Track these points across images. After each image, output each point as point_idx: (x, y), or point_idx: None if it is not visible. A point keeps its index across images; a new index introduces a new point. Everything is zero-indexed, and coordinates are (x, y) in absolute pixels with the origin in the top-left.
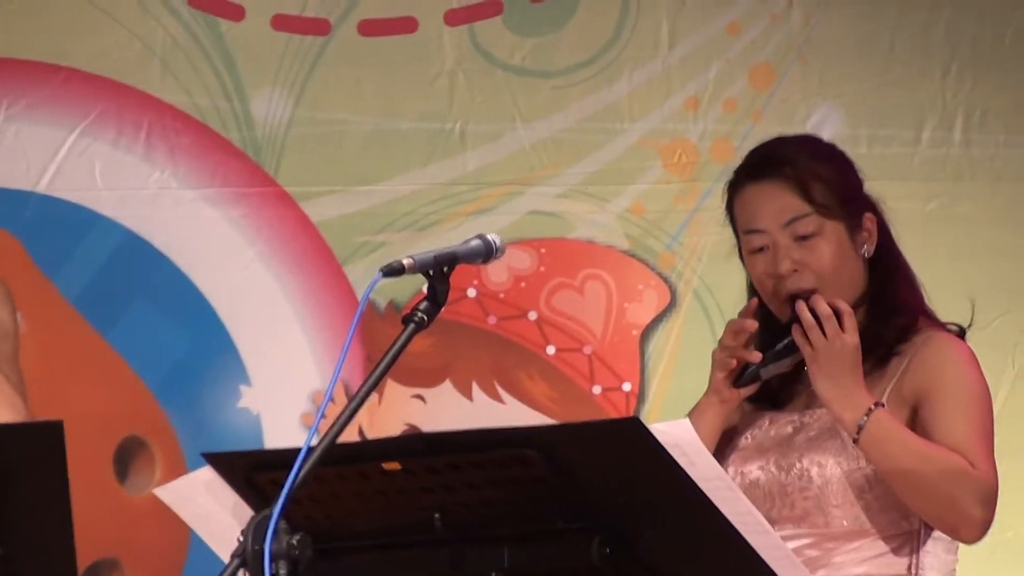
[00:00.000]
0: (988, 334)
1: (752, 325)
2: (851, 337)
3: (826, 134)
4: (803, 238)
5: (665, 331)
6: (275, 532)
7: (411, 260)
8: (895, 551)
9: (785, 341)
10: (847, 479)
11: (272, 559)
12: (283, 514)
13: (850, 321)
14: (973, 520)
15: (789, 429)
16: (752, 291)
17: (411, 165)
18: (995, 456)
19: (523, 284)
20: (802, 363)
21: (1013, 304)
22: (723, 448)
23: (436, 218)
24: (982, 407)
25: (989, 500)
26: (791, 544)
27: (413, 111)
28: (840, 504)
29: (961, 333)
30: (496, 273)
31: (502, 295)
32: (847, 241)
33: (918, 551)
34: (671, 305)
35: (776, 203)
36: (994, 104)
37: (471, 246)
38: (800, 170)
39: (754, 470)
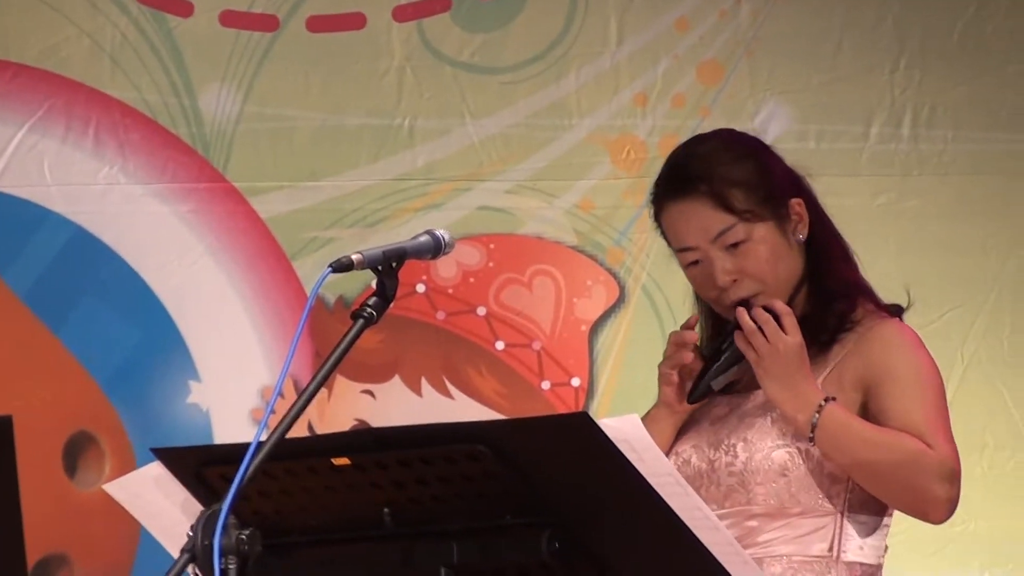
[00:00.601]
0: (937, 328)
1: (692, 337)
2: (793, 337)
3: (774, 130)
4: (734, 246)
5: (614, 326)
6: (224, 527)
7: (360, 256)
8: (817, 532)
9: (730, 350)
10: (771, 457)
11: (221, 554)
12: (232, 509)
13: (790, 321)
14: (938, 500)
15: (726, 410)
16: (698, 298)
17: (360, 161)
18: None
19: (472, 280)
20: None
21: (962, 298)
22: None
23: (385, 214)
24: (934, 387)
25: (952, 478)
26: None
27: (361, 107)
28: (763, 482)
29: (899, 311)
30: (445, 269)
31: (451, 290)
32: (779, 236)
33: (840, 531)
34: (620, 300)
35: (699, 221)
36: (942, 100)
37: (420, 242)
38: (715, 182)
39: (687, 449)
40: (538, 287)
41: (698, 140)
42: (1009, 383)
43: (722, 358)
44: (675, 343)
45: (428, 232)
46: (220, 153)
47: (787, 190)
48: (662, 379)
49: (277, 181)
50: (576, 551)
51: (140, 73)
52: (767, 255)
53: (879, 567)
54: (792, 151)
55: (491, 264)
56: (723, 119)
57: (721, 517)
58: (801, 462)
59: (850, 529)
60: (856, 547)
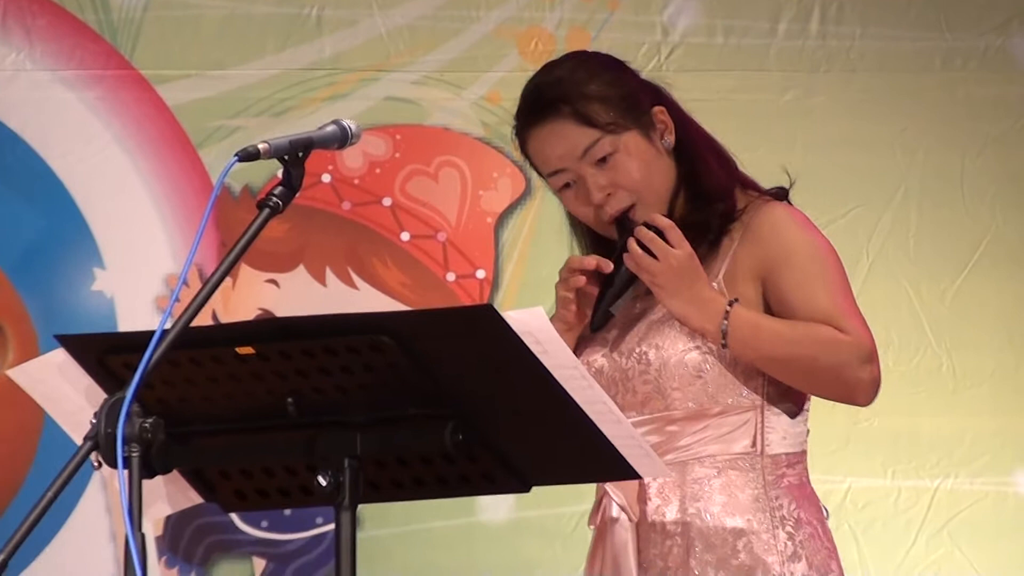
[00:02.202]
0: (843, 225)
1: (591, 263)
2: (681, 248)
3: (682, 24)
4: (603, 160)
5: (519, 219)
6: (128, 415)
7: (266, 145)
8: (739, 428)
9: (621, 271)
10: (684, 361)
11: (124, 442)
12: (136, 397)
13: (675, 234)
14: (863, 383)
15: (631, 317)
16: (571, 219)
17: (267, 50)
18: None
19: (378, 170)
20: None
21: (868, 195)
22: (577, 347)
23: (292, 103)
24: (833, 266)
25: (870, 358)
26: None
27: None
28: (679, 387)
29: (783, 195)
30: (351, 159)
31: (357, 181)
32: (646, 144)
33: (762, 425)
34: (526, 193)
35: (564, 142)
36: None
37: (326, 131)
38: (573, 100)
39: (598, 358)
40: (444, 178)
41: (550, 66)
42: (914, 281)
43: (615, 282)
44: (571, 267)
45: (335, 122)
46: (127, 40)
47: (647, 100)
48: (560, 302)
49: (184, 69)
50: (479, 442)
51: None
52: (637, 164)
53: (803, 453)
54: (700, 46)
55: (397, 155)
56: (631, 12)
57: (640, 424)
58: (715, 361)
59: (771, 421)
60: (779, 438)
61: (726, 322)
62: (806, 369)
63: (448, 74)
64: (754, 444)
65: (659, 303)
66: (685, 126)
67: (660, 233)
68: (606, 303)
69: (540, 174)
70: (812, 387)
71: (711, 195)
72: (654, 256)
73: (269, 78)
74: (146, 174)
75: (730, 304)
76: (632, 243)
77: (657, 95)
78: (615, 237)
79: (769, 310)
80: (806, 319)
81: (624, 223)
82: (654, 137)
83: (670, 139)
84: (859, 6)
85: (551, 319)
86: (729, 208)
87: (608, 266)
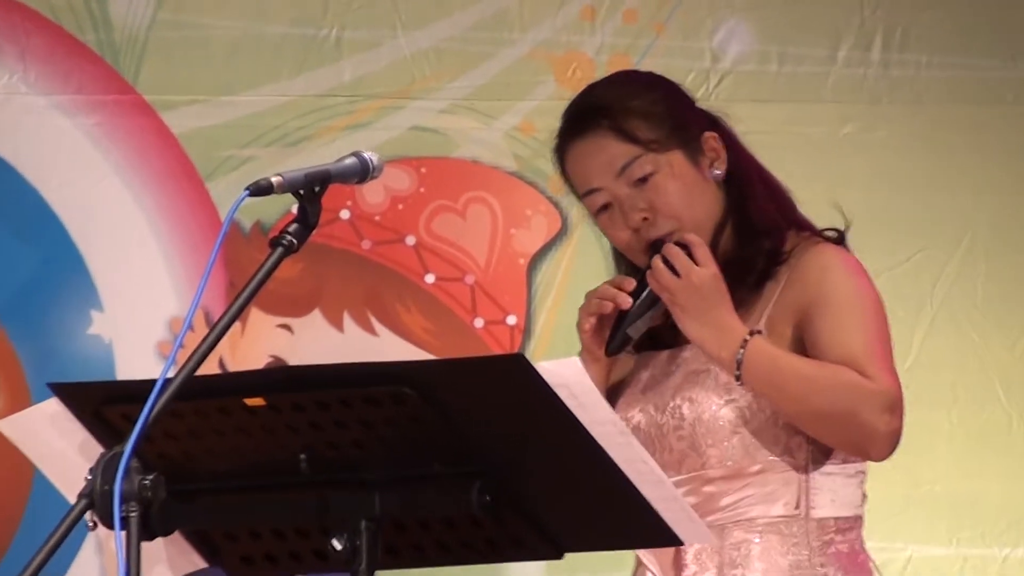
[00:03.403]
0: (906, 270)
1: (631, 283)
2: (707, 268)
3: (733, 51)
4: (642, 180)
5: (554, 261)
6: (126, 471)
7: (280, 178)
8: (781, 488)
9: (645, 292)
10: (718, 414)
11: (122, 500)
12: (135, 452)
13: (702, 251)
14: (877, 434)
15: (671, 367)
16: (617, 258)
17: (281, 74)
18: (906, 403)
19: (401, 206)
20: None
21: (933, 238)
22: (614, 400)
23: (308, 132)
24: (871, 313)
25: (892, 409)
26: None
27: (285, 15)
28: (715, 443)
29: (839, 238)
30: (372, 194)
31: (378, 218)
32: (690, 169)
33: (807, 485)
34: (561, 232)
35: (602, 156)
36: (916, 21)
37: (345, 164)
38: (615, 114)
39: (635, 414)
40: (473, 216)
41: (593, 85)
42: (982, 332)
43: (635, 302)
44: (596, 296)
45: (354, 154)
46: (130, 62)
47: (697, 124)
48: (578, 326)
49: (191, 94)
50: (508, 504)
51: None
52: (678, 188)
53: (858, 518)
54: (752, 74)
55: (422, 190)
56: (678, 37)
57: (677, 484)
58: (754, 415)
59: (818, 481)
60: (827, 500)
61: (742, 351)
62: (822, 412)
63: (478, 102)
64: (798, 506)
65: (693, 355)
66: (739, 158)
67: (687, 251)
68: (626, 323)
69: (577, 196)
70: (827, 433)
71: (759, 232)
72: (677, 274)
73: (283, 105)
74: (149, 208)
75: (751, 333)
76: (656, 260)
77: (711, 122)
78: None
79: (804, 355)
80: (833, 362)
81: (659, 247)
82: (702, 163)
83: (721, 168)
84: (925, 33)
85: (579, 353)
86: (777, 246)
87: (630, 283)
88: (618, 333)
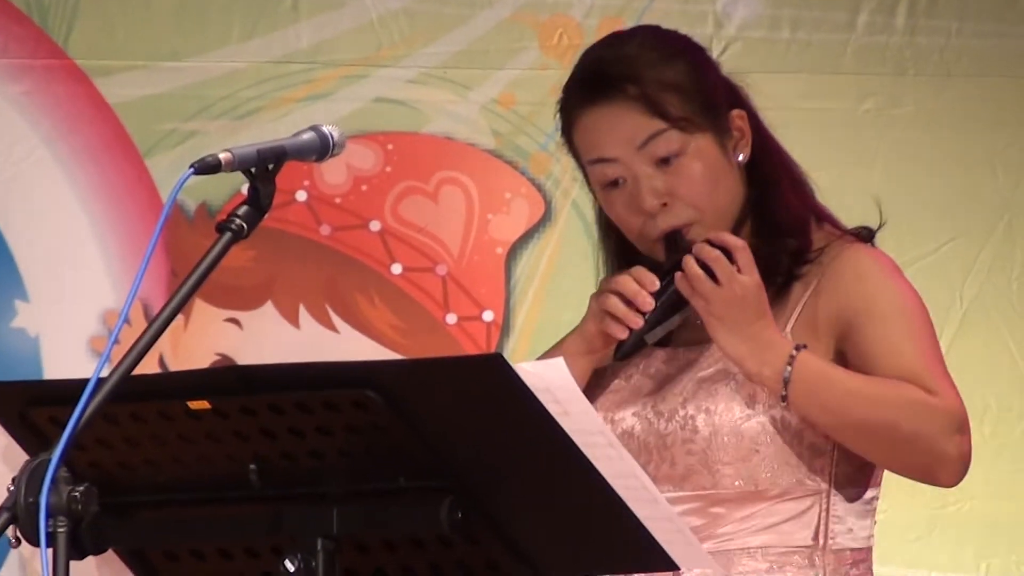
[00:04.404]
0: (932, 263)
1: (649, 279)
2: (749, 276)
3: (740, 16)
4: (665, 161)
5: (536, 250)
6: (54, 482)
7: (229, 154)
8: (798, 517)
9: (668, 293)
10: (740, 429)
11: (49, 514)
12: (64, 460)
13: (745, 256)
14: (950, 458)
15: (672, 368)
16: (604, 228)
17: (231, 38)
18: None
19: (365, 187)
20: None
21: (964, 227)
22: (591, 391)
23: (260, 104)
24: (923, 322)
25: (961, 429)
26: None
27: None
28: (731, 461)
29: (869, 236)
30: (332, 173)
31: (339, 200)
32: (718, 152)
33: (827, 514)
34: (545, 219)
35: (625, 126)
36: None
37: (303, 139)
38: (646, 84)
39: (627, 417)
40: (445, 199)
41: (617, 38)
42: (1017, 333)
43: (657, 305)
44: (633, 282)
45: (313, 128)
46: (61, 24)
47: (725, 99)
48: (593, 316)
49: (129, 60)
50: (482, 522)
51: None
52: (704, 174)
53: (869, 550)
54: (761, 42)
55: (388, 169)
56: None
57: (677, 501)
58: (777, 433)
59: (839, 509)
60: (846, 530)
61: (790, 368)
62: (884, 435)
63: (452, 71)
64: (816, 536)
65: (708, 355)
66: (763, 141)
67: (727, 254)
68: (643, 328)
69: (580, 162)
70: (888, 459)
71: (783, 228)
72: (715, 279)
73: (233, 72)
74: (81, 187)
75: (797, 349)
76: (690, 261)
77: (737, 96)
78: (659, 259)
79: None
80: (888, 377)
81: (676, 240)
82: (727, 145)
83: (746, 152)
84: None
85: (569, 335)
86: (804, 246)
87: (653, 282)
88: (631, 336)
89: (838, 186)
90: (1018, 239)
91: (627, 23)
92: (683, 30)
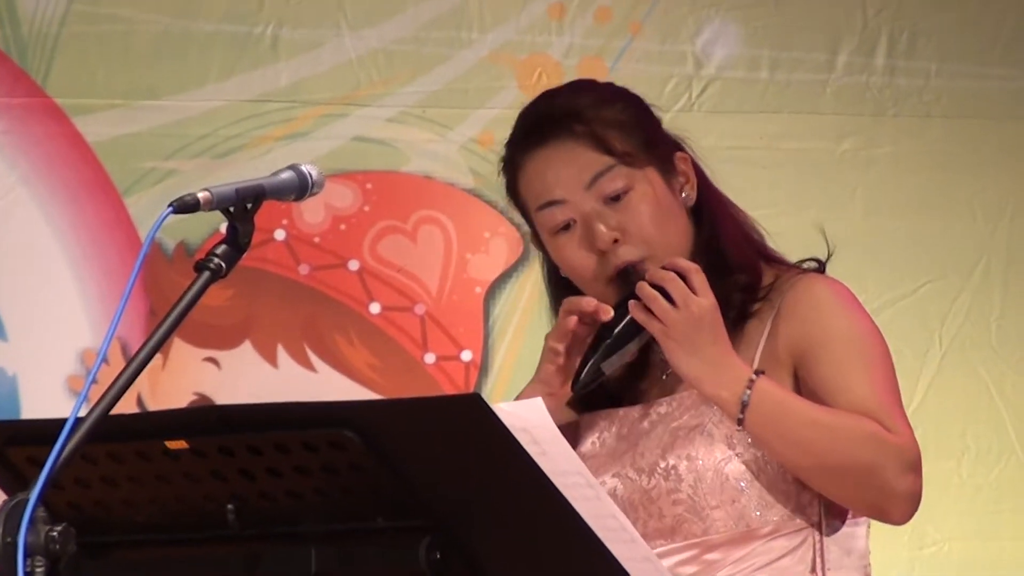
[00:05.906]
0: (911, 304)
1: (589, 304)
2: (705, 297)
3: (719, 55)
4: (614, 199)
5: (515, 290)
6: (31, 521)
7: (208, 193)
8: (792, 552)
9: (623, 323)
10: (723, 471)
11: (27, 554)
12: (42, 499)
13: (699, 279)
14: (900, 495)
15: (644, 424)
16: (554, 282)
17: (210, 77)
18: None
19: (343, 227)
20: (645, 348)
21: (942, 269)
22: None
23: (239, 142)
24: (878, 352)
25: (914, 467)
26: (664, 562)
27: (216, 10)
28: (719, 504)
29: (821, 267)
30: (311, 212)
31: (317, 239)
32: (665, 189)
33: (820, 546)
34: (523, 258)
35: (571, 166)
36: (925, 24)
37: (281, 178)
38: (589, 121)
39: (608, 480)
40: (424, 238)
41: (552, 91)
42: (996, 374)
43: (613, 335)
44: (567, 310)
45: (291, 167)
46: (40, 62)
47: (669, 141)
48: (547, 355)
49: (108, 98)
50: (461, 562)
51: None
52: (654, 209)
53: None
54: (740, 82)
55: (367, 208)
56: (656, 39)
57: (670, 553)
58: (761, 469)
59: (831, 540)
60: (842, 560)
61: (749, 392)
62: (835, 466)
63: (431, 110)
64: (813, 569)
65: (677, 403)
66: (706, 185)
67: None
68: (597, 358)
69: (526, 215)
70: (839, 492)
71: (732, 265)
72: (672, 302)
73: (212, 111)
74: (60, 226)
75: (756, 374)
76: (645, 285)
77: (678, 143)
78: (611, 300)
79: None
80: (843, 409)
81: (629, 274)
82: (674, 185)
83: (691, 194)
84: (935, 37)
85: (527, 386)
86: (754, 281)
87: (607, 313)
88: (587, 368)
89: (815, 228)
90: (997, 281)
91: (607, 63)
92: (661, 70)
